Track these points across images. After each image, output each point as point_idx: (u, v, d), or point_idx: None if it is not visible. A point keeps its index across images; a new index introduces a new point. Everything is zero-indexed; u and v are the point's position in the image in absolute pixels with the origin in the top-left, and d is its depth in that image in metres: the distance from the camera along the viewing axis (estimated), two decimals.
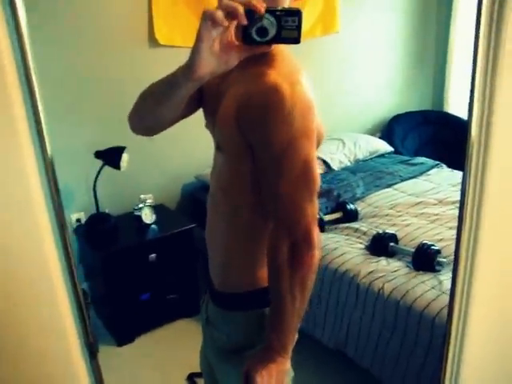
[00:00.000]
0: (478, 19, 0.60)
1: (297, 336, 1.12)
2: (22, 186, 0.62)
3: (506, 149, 0.61)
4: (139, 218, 2.75)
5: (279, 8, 0.92)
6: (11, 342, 0.59)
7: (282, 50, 1.06)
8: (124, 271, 2.62)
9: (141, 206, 2.78)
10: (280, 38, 0.88)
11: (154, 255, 2.68)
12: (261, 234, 1.10)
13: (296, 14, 0.88)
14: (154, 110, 1.09)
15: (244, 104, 0.99)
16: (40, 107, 0.58)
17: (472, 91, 0.58)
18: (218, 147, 1.12)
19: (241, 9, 0.84)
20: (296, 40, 0.89)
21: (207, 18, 0.84)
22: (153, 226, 2.79)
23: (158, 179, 3.11)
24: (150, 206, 2.80)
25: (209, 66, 0.88)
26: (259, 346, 1.10)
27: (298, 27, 0.88)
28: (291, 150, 0.95)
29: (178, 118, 1.17)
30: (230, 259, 1.18)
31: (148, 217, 2.77)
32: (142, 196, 2.82)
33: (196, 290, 2.89)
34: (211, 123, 1.16)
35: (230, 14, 0.84)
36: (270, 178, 0.99)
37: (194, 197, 3.19)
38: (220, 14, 0.83)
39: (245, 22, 0.85)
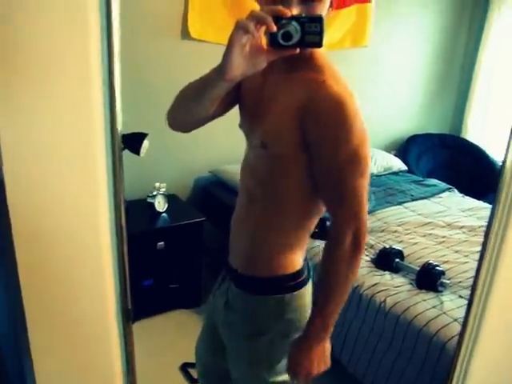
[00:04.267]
0: None
1: None
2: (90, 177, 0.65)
3: None
4: (152, 205, 2.79)
5: (303, 15, 1.00)
6: (57, 303, 0.63)
7: (324, 57, 1.15)
8: (131, 256, 2.65)
9: (155, 193, 2.82)
10: (304, 42, 0.95)
11: (162, 243, 2.72)
12: (296, 225, 1.24)
13: (318, 20, 0.95)
14: (190, 109, 1.20)
15: (309, 109, 1.08)
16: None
17: None
18: (262, 145, 1.17)
19: (269, 17, 0.92)
20: (318, 44, 0.96)
21: (239, 28, 0.93)
22: (164, 214, 2.83)
23: (173, 169, 3.15)
24: (163, 194, 2.84)
25: (239, 68, 0.98)
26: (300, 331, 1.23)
27: (321, 32, 0.95)
28: (358, 155, 1.09)
29: (211, 116, 1.25)
30: (261, 247, 1.27)
31: (161, 205, 2.81)
32: (156, 184, 2.86)
33: (198, 283, 2.92)
34: (255, 123, 1.22)
35: (260, 23, 0.93)
36: (337, 176, 1.10)
37: (207, 190, 3.23)
38: (251, 25, 0.92)
39: (274, 28, 0.93)
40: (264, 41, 0.99)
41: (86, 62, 0.65)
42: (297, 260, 1.27)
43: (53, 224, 0.68)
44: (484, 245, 0.67)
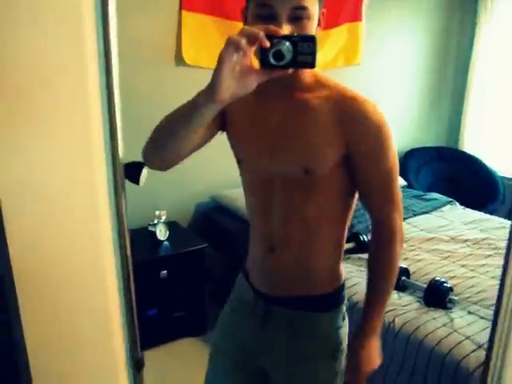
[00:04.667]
0: None
1: None
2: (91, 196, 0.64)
3: None
4: (153, 233, 2.77)
5: (295, 34, 0.98)
6: (62, 356, 0.61)
7: (323, 75, 1.20)
8: (135, 286, 2.63)
9: (156, 221, 2.79)
10: (296, 63, 0.92)
11: (165, 271, 2.69)
12: (337, 234, 1.28)
13: (311, 39, 0.91)
14: (175, 138, 1.09)
15: (350, 123, 1.13)
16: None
17: None
18: (304, 172, 1.16)
19: (262, 32, 0.88)
20: (311, 65, 0.92)
21: (230, 44, 0.88)
22: (165, 242, 2.80)
23: (173, 196, 3.13)
24: (164, 222, 2.82)
25: (230, 88, 0.92)
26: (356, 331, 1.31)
27: (313, 52, 0.91)
28: (396, 159, 1.20)
29: (197, 146, 1.19)
30: (317, 264, 1.28)
31: (162, 233, 2.78)
32: (157, 212, 2.84)
33: (203, 310, 2.88)
34: (278, 151, 1.19)
35: (252, 40, 0.89)
36: (386, 178, 1.20)
37: (207, 216, 3.20)
38: (243, 41, 0.88)
39: (267, 44, 0.89)
40: (254, 61, 0.95)
41: (85, 95, 0.64)
42: (342, 268, 1.33)
43: (55, 266, 0.66)
44: (506, 260, 0.65)
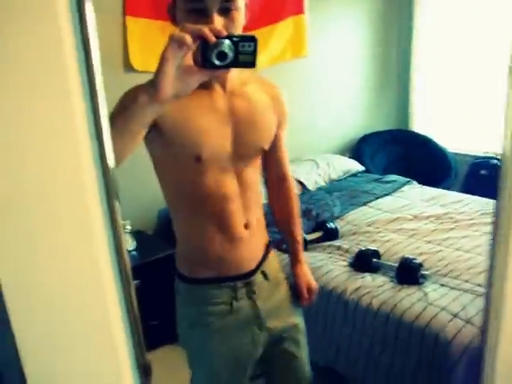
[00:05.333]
0: None
1: None
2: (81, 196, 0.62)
3: None
4: None
5: (236, 34, 1.01)
6: (61, 362, 0.59)
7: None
8: None
9: None
10: (237, 62, 0.93)
11: (137, 282, 2.64)
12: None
13: (252, 39, 0.92)
14: (115, 139, 1.01)
15: (277, 107, 1.40)
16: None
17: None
18: (262, 152, 1.38)
19: (206, 29, 0.89)
20: (252, 64, 0.93)
21: (174, 41, 0.87)
22: (133, 252, 2.76)
23: (135, 205, 3.08)
24: (129, 232, 2.77)
25: (173, 87, 0.91)
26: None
27: (254, 52, 0.92)
28: None
29: (133, 149, 1.11)
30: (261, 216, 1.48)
31: (129, 243, 2.74)
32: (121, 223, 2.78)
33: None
34: (241, 140, 1.29)
35: (195, 37, 0.88)
36: (284, 144, 1.53)
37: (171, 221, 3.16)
38: (188, 37, 0.87)
39: (213, 39, 0.89)
40: (193, 61, 0.94)
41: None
42: None
43: (50, 274, 0.64)
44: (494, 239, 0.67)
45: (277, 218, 1.61)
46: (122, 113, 0.98)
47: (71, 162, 0.62)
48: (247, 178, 1.34)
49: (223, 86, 1.27)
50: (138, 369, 0.63)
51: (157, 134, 1.20)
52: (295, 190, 1.62)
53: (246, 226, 1.35)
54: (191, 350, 1.44)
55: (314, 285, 1.60)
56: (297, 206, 1.60)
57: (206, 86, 1.22)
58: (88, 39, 0.54)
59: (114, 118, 0.99)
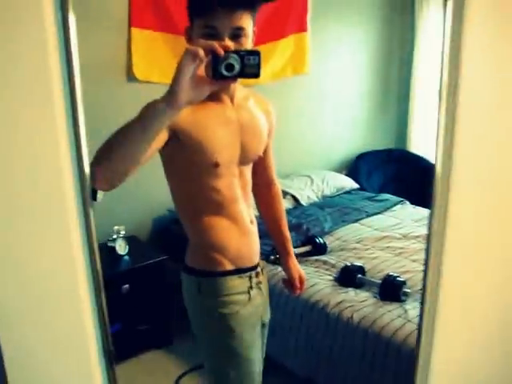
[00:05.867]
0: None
1: None
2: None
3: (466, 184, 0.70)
4: (113, 249, 2.78)
5: (242, 49, 1.21)
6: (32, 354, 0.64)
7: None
8: None
9: (115, 237, 2.81)
10: (244, 73, 1.07)
11: (127, 286, 2.70)
12: None
13: (256, 53, 1.07)
14: (131, 152, 1.13)
15: (268, 118, 1.60)
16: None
17: (437, 136, 0.68)
18: (259, 158, 1.59)
19: (216, 44, 1.03)
20: (256, 75, 1.08)
21: (189, 54, 1.00)
22: (125, 257, 2.82)
23: (131, 211, 3.14)
24: (123, 237, 2.83)
25: (188, 95, 1.04)
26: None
27: (258, 64, 1.07)
28: None
29: (149, 157, 1.24)
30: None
31: (122, 248, 2.80)
32: (115, 227, 2.85)
33: (168, 321, 2.90)
34: (248, 146, 1.50)
35: (207, 51, 1.02)
36: (272, 155, 1.72)
37: (167, 229, 3.23)
38: (201, 51, 1.00)
39: (222, 53, 1.03)
40: (205, 73, 1.07)
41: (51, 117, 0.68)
42: None
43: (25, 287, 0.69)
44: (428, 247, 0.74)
45: (265, 218, 1.80)
46: (141, 120, 1.11)
47: (50, 169, 0.68)
48: (246, 180, 1.56)
49: (231, 100, 1.46)
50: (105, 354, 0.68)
51: (177, 144, 1.37)
52: (280, 192, 1.81)
53: (251, 222, 1.57)
54: (212, 338, 1.58)
55: (304, 275, 1.81)
56: (282, 207, 1.80)
57: (217, 100, 1.43)
58: (71, 50, 0.60)
59: (131, 126, 1.11)
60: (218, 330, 1.53)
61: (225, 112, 1.45)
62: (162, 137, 1.28)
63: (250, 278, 1.56)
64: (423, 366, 0.78)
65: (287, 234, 1.79)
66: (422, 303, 0.73)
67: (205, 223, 1.50)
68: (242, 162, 1.51)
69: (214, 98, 1.38)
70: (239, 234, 1.53)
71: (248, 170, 1.57)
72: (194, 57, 1.00)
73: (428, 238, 0.71)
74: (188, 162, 1.43)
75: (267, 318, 1.72)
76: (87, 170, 0.67)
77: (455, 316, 0.76)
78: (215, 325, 1.53)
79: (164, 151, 1.38)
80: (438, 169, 0.66)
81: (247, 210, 1.57)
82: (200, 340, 1.60)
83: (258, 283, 1.60)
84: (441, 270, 0.70)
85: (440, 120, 0.67)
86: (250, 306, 1.54)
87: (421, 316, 0.76)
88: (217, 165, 1.42)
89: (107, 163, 1.14)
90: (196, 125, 1.38)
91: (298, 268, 1.80)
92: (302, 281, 1.79)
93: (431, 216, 0.69)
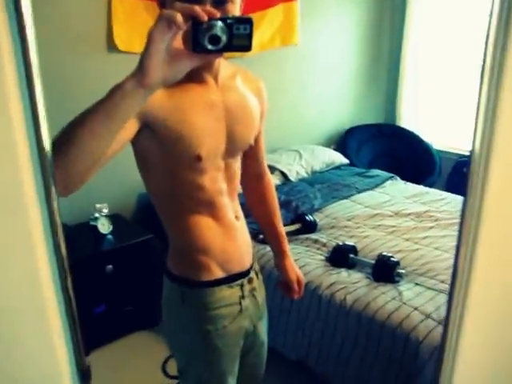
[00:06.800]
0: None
1: None
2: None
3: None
4: (95, 228, 2.67)
5: (230, 16, 0.93)
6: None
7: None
8: (79, 283, 2.53)
9: (97, 215, 2.70)
10: (232, 46, 0.86)
11: (110, 266, 2.61)
12: None
13: (247, 21, 0.86)
14: (85, 145, 0.88)
15: (261, 101, 1.38)
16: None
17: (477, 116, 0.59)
18: (249, 148, 1.37)
19: (198, 8, 0.81)
20: (247, 47, 0.87)
21: (163, 19, 0.79)
22: (109, 236, 2.71)
23: (114, 188, 3.03)
24: (106, 216, 2.72)
25: (161, 72, 0.83)
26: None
27: (250, 35, 0.86)
28: None
29: (115, 153, 1.02)
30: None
31: (105, 227, 2.69)
32: (97, 205, 2.74)
33: (153, 302, 2.82)
34: (233, 136, 1.27)
35: (187, 14, 0.81)
36: (263, 139, 1.50)
37: (151, 206, 3.11)
38: (179, 16, 0.79)
39: (205, 18, 0.82)
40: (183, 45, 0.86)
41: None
42: None
43: None
44: (460, 236, 0.65)
45: (257, 213, 1.59)
46: (103, 105, 0.86)
47: (6, 151, 0.58)
48: (232, 172, 1.34)
49: (215, 79, 1.22)
50: (78, 372, 0.60)
51: (151, 135, 1.14)
52: (273, 183, 1.61)
53: (237, 218, 1.37)
54: (192, 355, 1.38)
55: (302, 277, 1.60)
56: (276, 201, 1.59)
57: (198, 79, 1.18)
58: (24, 24, 0.49)
59: (91, 112, 0.87)
60: (199, 346, 1.34)
61: (208, 94, 1.20)
62: (131, 126, 1.05)
63: (242, 286, 1.36)
64: (448, 365, 0.70)
65: (282, 231, 1.58)
66: (450, 300, 0.65)
67: (186, 223, 1.28)
68: (229, 153, 1.28)
69: (193, 77, 1.13)
70: (223, 231, 1.31)
71: (235, 161, 1.35)
72: (170, 23, 0.79)
73: (460, 230, 0.61)
74: (164, 156, 1.19)
75: (262, 316, 1.51)
76: (48, 147, 0.57)
77: (485, 312, 0.68)
78: (197, 342, 1.33)
79: (135, 143, 1.16)
80: (476, 156, 0.56)
81: (231, 204, 1.34)
82: (174, 348, 1.43)
83: (252, 290, 1.40)
84: (473, 265, 0.61)
85: (480, 104, 0.57)
86: (240, 318, 1.35)
87: (448, 312, 0.68)
88: (199, 159, 1.19)
89: (62, 161, 0.86)
90: (172, 111, 1.14)
91: (296, 269, 1.59)
92: (300, 283, 1.59)
93: (464, 206, 0.59)
